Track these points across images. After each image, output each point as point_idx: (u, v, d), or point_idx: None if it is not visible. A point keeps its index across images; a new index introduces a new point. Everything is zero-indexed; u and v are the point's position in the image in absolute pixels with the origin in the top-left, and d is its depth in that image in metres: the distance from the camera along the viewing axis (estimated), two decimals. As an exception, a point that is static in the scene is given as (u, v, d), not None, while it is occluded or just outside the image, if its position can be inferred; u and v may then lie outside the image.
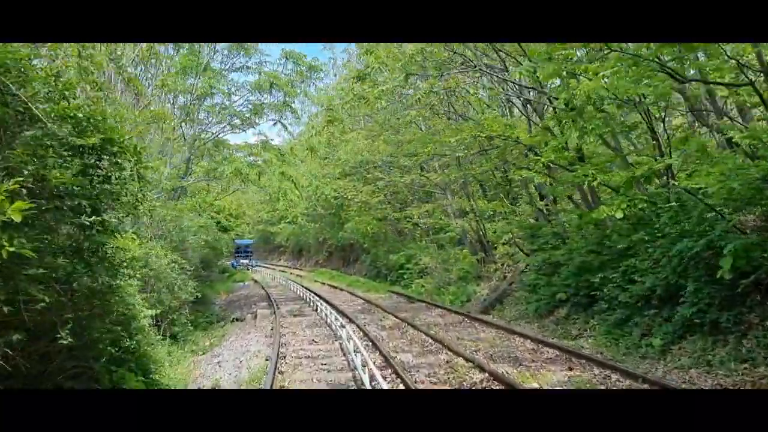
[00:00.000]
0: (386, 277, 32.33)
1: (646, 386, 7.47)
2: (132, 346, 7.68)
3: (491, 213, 23.76)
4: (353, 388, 8.62)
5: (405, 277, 29.54)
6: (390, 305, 19.47)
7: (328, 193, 33.72)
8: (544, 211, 18.70)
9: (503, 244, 21.62)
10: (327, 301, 19.53)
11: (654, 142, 13.24)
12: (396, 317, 15.57)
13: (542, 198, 18.87)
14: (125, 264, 7.35)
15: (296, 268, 48.96)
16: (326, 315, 15.04)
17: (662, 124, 12.90)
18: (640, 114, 12.46)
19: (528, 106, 16.14)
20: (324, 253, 47.13)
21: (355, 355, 9.67)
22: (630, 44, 8.08)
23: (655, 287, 10.84)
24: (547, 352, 10.35)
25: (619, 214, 10.80)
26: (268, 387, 8.26)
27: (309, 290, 24.73)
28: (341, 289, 25.77)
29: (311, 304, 19.41)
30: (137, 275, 9.73)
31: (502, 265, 21.92)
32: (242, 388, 8.91)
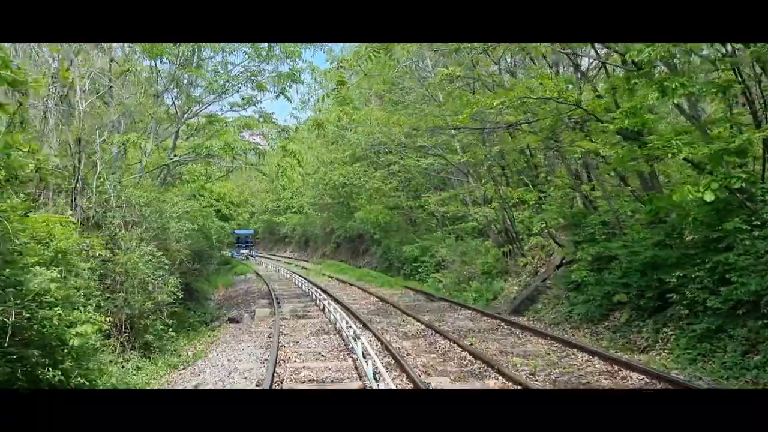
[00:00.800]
0: (399, 271, 29.94)
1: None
2: (55, 378, 5.25)
3: (516, 201, 21.24)
4: (355, 388, 7.79)
5: (420, 270, 27.13)
6: (408, 304, 17.02)
7: (336, 179, 31.20)
8: (588, 197, 16.13)
9: (535, 235, 19.06)
10: (336, 299, 17.09)
11: (745, 107, 10.67)
12: (418, 321, 13.10)
13: (582, 179, 16.32)
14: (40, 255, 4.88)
15: (302, 260, 46.60)
16: (335, 318, 12.60)
17: (758, 85, 10.26)
18: (734, 70, 9.85)
19: (578, 71, 13.54)
20: (331, 244, 44.74)
21: (376, 381, 7.24)
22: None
23: (764, 291, 8.32)
24: (630, 377, 7.81)
25: (709, 197, 8.28)
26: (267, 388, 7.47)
27: (315, 285, 22.30)
28: (351, 284, 23.33)
29: (318, 302, 16.97)
30: (83, 271, 7.31)
31: (533, 258, 19.37)
32: (243, 388, 8.05)
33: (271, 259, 48.89)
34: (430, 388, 7.25)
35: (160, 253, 10.95)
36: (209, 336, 14.38)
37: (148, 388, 7.86)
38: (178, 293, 11.70)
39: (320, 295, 17.33)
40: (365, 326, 12.32)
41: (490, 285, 19.69)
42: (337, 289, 22.29)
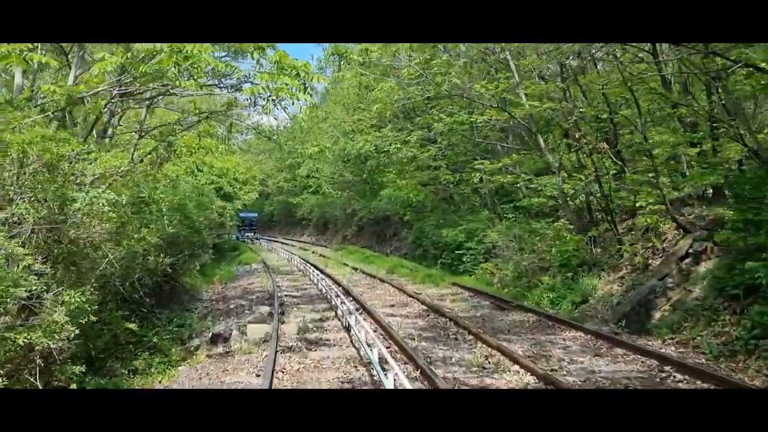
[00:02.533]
0: (436, 259, 24.53)
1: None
2: None
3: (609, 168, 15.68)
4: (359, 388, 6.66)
5: (465, 260, 21.63)
6: (471, 316, 11.57)
7: (360, 148, 25.65)
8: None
9: (646, 213, 13.38)
10: (366, 309, 11.73)
11: None
12: (512, 359, 7.63)
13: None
14: None
15: (320, 245, 41.33)
16: (368, 343, 7.25)
17: None
18: None
19: None
20: (353, 227, 39.37)
21: None
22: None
23: None
24: None
25: None
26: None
27: (336, 282, 16.95)
28: (382, 280, 17.85)
29: (339, 311, 11.54)
30: None
31: (642, 248, 13.73)
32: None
33: (285, 243, 43.71)
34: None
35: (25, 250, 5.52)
36: (171, 371, 9.12)
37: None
38: (90, 316, 6.40)
39: (343, 299, 11.89)
40: (423, 372, 6.87)
41: (574, 282, 14.17)
42: (365, 286, 16.85)
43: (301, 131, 53.40)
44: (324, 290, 14.79)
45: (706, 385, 6.59)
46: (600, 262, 14.62)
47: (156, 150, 27.64)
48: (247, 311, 12.93)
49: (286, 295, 15.08)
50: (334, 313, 12.00)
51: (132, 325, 10.09)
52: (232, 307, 13.74)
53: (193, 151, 27.59)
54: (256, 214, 53.23)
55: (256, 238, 47.59)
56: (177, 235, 13.53)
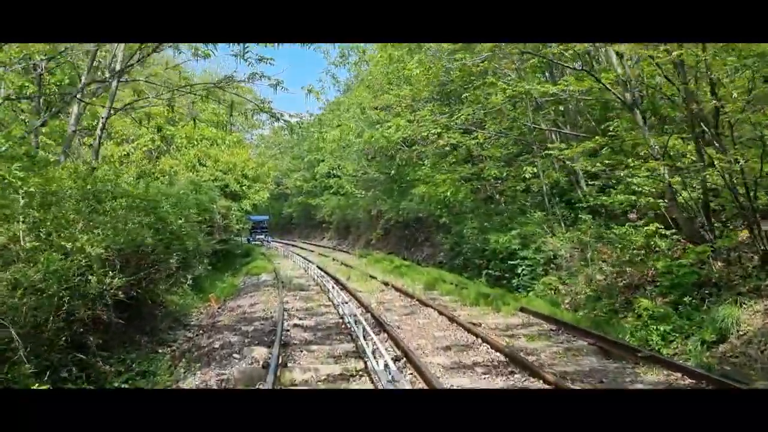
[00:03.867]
0: (479, 270, 20.31)
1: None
2: None
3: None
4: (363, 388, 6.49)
5: (520, 272, 17.44)
6: (573, 369, 7.35)
7: (391, 134, 21.49)
8: None
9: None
10: (410, 358, 7.57)
11: None
12: None
13: None
14: None
15: (341, 250, 37.27)
16: None
17: None
18: None
19: None
20: (378, 230, 35.28)
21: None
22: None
23: None
24: None
25: None
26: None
27: (362, 303, 12.85)
28: (422, 302, 13.62)
29: (372, 365, 7.32)
30: None
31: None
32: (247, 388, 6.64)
33: (303, 248, 39.77)
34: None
35: None
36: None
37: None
38: None
39: (374, 336, 7.66)
40: None
41: (696, 311, 9.94)
42: (401, 311, 12.65)
43: (320, 125, 49.61)
44: (347, 318, 10.65)
45: None
46: (733, 283, 10.27)
47: (153, 142, 23.94)
48: (235, 355, 8.84)
49: (294, 325, 10.97)
50: (362, 364, 7.82)
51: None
52: (217, 345, 9.67)
53: (196, 142, 23.84)
54: (267, 217, 53.26)
55: (267, 241, 47.29)
56: (142, 244, 9.55)
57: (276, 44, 10.76)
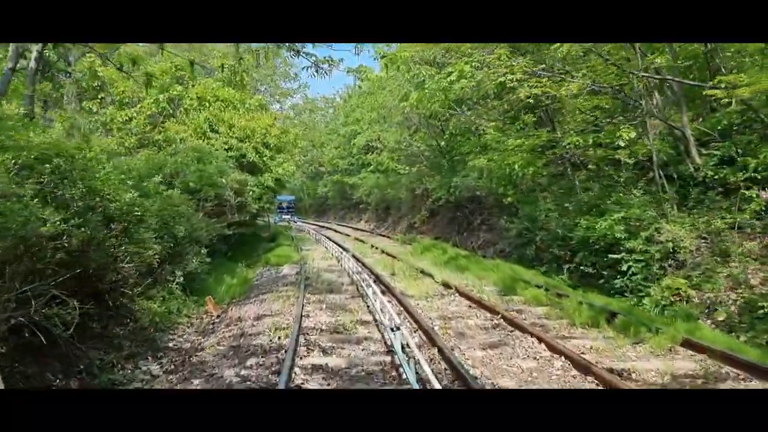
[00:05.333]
0: (557, 263, 15.76)
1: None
2: None
3: None
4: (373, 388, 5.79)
5: (627, 270, 12.73)
6: None
7: (448, 88, 16.73)
8: None
9: None
10: None
11: None
12: None
13: None
14: None
15: (381, 234, 32.84)
16: None
17: None
18: None
19: None
20: (423, 212, 30.68)
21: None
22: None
23: None
24: None
25: None
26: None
27: (416, 320, 8.36)
28: (511, 323, 8.95)
29: None
30: None
31: None
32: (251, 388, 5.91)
33: (337, 232, 35.52)
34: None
35: None
36: None
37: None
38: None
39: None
40: None
41: None
42: (481, 337, 8.05)
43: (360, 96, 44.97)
44: (400, 357, 6.15)
45: None
46: None
47: (157, 104, 19.84)
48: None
49: (312, 368, 6.54)
50: None
51: None
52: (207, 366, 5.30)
53: (208, 104, 19.62)
54: (293, 198, 53.20)
55: (294, 221, 47.04)
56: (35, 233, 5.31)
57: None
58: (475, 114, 21.83)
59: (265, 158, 20.28)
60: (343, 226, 43.90)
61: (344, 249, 21.14)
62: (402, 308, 10.03)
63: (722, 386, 5.98)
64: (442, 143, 25.83)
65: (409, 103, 22.14)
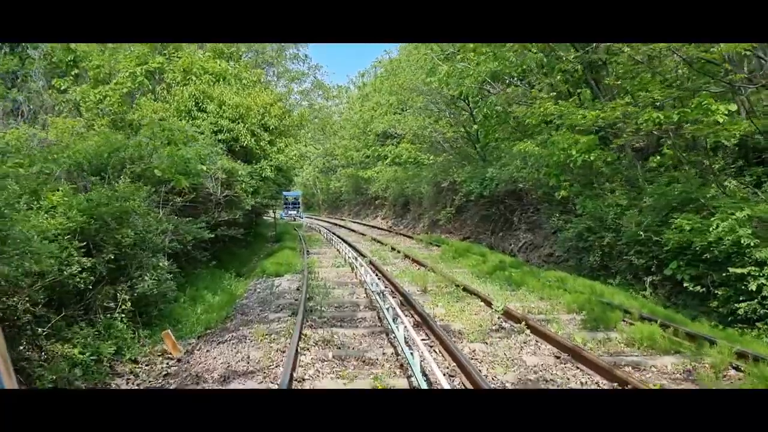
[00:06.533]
0: (635, 274, 12.15)
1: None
2: None
3: None
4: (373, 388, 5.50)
5: (764, 293, 8.81)
6: None
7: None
8: None
9: None
10: None
11: None
12: None
13: None
14: None
15: (401, 233, 29.16)
16: None
17: None
18: None
19: None
20: (448, 208, 26.95)
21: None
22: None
23: None
24: None
25: None
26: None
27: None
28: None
29: None
30: None
31: None
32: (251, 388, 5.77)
33: (352, 230, 31.90)
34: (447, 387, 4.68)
35: None
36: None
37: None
38: None
39: None
40: None
41: None
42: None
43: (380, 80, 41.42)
44: None
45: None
46: None
47: (134, 79, 16.34)
48: None
49: None
50: None
51: None
52: None
53: (195, 78, 16.10)
54: (300, 193, 53.40)
55: (300, 216, 47.45)
56: None
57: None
58: (522, 89, 18.10)
59: (262, 143, 16.66)
60: (358, 223, 40.30)
61: (360, 252, 17.54)
62: (449, 358, 6.37)
63: None
64: (475, 126, 22.06)
65: (438, 78, 18.39)
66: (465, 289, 10.78)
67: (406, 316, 8.58)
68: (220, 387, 5.97)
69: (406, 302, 9.75)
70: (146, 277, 8.35)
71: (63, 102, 18.48)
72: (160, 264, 8.61)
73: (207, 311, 10.08)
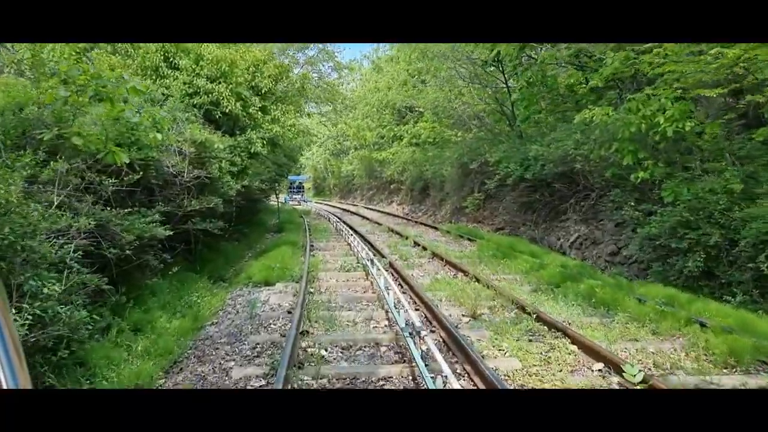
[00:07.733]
0: (759, 287, 8.19)
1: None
2: None
3: None
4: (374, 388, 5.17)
5: None
6: None
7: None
8: None
9: None
10: None
11: None
12: None
13: None
14: None
15: (420, 222, 25.57)
16: None
17: None
18: None
19: None
20: (475, 194, 23.32)
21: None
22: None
23: None
24: None
25: None
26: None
27: None
28: None
29: None
30: None
31: None
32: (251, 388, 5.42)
33: (365, 218, 28.35)
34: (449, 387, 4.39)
35: None
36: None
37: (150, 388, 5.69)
38: None
39: None
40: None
41: None
42: None
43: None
44: None
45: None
46: None
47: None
48: None
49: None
50: None
51: None
52: None
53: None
54: (305, 178, 52.82)
55: (305, 201, 47.56)
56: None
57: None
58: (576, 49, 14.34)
59: (251, 109, 13.02)
60: (372, 210, 36.75)
61: (374, 247, 14.02)
62: None
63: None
64: (515, 96, 18.28)
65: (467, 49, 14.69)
66: (538, 318, 7.17)
67: (458, 377, 5.06)
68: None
69: (453, 343, 6.19)
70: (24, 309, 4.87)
71: (13, 62, 15.06)
72: (46, 288, 5.11)
73: (149, 350, 6.62)
